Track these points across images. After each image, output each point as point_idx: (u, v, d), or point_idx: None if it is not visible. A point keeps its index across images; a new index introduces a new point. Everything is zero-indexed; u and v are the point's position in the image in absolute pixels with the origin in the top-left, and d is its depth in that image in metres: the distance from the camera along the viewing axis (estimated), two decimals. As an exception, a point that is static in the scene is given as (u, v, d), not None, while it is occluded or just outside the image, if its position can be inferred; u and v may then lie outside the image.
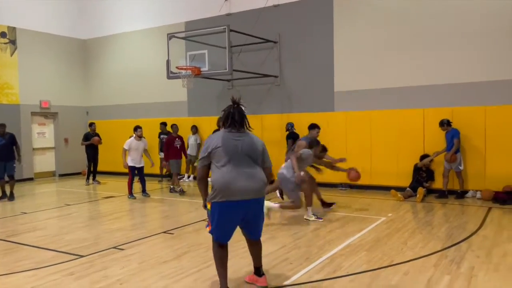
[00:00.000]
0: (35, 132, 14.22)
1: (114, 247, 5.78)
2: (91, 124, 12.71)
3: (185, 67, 10.39)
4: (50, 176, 14.55)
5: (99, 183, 12.60)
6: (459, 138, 8.80)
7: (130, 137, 10.01)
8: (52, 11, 14.51)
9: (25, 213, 8.49)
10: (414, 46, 9.85)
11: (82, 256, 5.41)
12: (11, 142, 10.05)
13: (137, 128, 9.89)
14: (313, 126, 7.96)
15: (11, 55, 13.37)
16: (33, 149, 14.02)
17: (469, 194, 9.19)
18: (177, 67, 10.42)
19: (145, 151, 9.99)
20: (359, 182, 10.41)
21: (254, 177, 3.85)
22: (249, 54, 11.84)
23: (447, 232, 6.30)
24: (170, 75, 10.77)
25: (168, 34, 10.92)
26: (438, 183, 9.35)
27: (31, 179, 13.77)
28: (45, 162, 14.50)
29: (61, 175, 14.55)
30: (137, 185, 10.29)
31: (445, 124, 8.87)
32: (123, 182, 12.64)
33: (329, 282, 4.37)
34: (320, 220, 7.12)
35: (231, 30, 9.93)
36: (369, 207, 8.41)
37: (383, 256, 5.17)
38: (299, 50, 11.33)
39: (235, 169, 3.79)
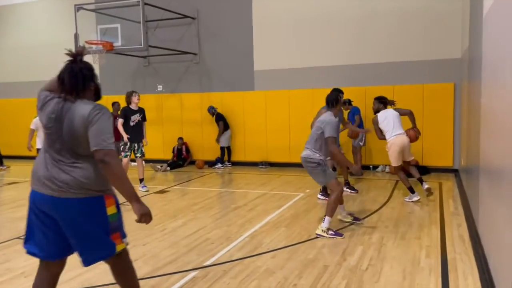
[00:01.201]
0: None
1: (18, 238, 5.29)
2: None
3: (95, 42, 9.71)
4: None
5: (7, 167, 11.45)
6: (359, 115, 9.28)
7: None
8: None
9: None
10: (333, 23, 10.11)
11: (-22, 250, 4.88)
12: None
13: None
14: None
15: None
16: None
17: (379, 168, 9.81)
18: (86, 42, 9.69)
19: None
20: (279, 160, 10.70)
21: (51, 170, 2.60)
22: (166, 30, 11.36)
23: (360, 205, 6.65)
24: (80, 50, 9.99)
25: (75, 5, 10.07)
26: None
27: None
28: None
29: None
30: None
31: (346, 103, 9.04)
32: (28, 166, 11.69)
33: (251, 259, 4.39)
34: (358, 222, 5.62)
35: (146, 4, 9.42)
36: (288, 184, 8.62)
37: (301, 231, 5.32)
38: (218, 27, 11.11)
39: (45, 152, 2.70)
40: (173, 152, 11.41)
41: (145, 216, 2.71)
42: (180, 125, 11.54)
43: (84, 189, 2.59)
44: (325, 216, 5.09)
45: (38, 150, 8.61)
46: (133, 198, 2.66)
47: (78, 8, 9.98)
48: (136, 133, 7.93)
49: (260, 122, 10.88)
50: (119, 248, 2.75)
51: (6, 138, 12.73)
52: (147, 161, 11.47)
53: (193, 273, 4.07)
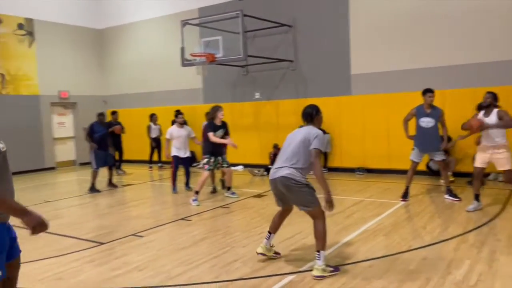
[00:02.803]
0: (55, 122, 14.47)
1: (133, 234, 5.87)
2: (113, 113, 12.51)
3: (199, 54, 10.36)
4: (70, 165, 14.83)
5: (124, 173, 12.41)
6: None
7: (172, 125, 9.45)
8: (67, 1, 14.59)
9: (48, 201, 8.69)
10: (436, 25, 9.58)
11: (102, 244, 5.52)
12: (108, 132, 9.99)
13: (177, 114, 9.10)
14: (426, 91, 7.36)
15: (29, 46, 13.55)
16: (54, 139, 14.29)
17: (491, 176, 8.99)
18: (191, 54, 10.40)
19: (194, 138, 9.04)
20: (377, 166, 10.36)
21: None
22: (263, 39, 11.72)
23: (467, 216, 6.19)
24: (185, 63, 10.76)
25: (181, 21, 10.87)
26: (468, 167, 9.06)
27: (53, 168, 14.06)
28: (65, 151, 14.77)
29: (82, 164, 14.80)
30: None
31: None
32: (143, 170, 12.83)
33: (348, 267, 4.35)
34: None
35: (244, 15, 9.82)
36: (387, 191, 8.32)
37: (401, 241, 5.12)
38: (314, 33, 11.16)
39: None
40: (269, 157, 11.68)
41: (39, 227, 2.56)
42: (276, 131, 11.79)
43: None
44: (317, 252, 4.17)
45: (173, 157, 8.91)
46: (19, 213, 2.54)
47: (184, 23, 10.76)
48: (219, 148, 7.98)
49: (357, 127, 10.67)
50: None
51: (125, 144, 14.10)
52: (245, 165, 11.94)
53: (290, 277, 4.16)
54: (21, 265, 4.61)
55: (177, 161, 8.94)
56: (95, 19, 15.43)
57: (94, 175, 9.53)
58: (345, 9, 10.63)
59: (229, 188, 8.36)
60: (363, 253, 4.77)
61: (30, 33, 13.55)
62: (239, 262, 4.59)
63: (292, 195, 4.33)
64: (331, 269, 4.18)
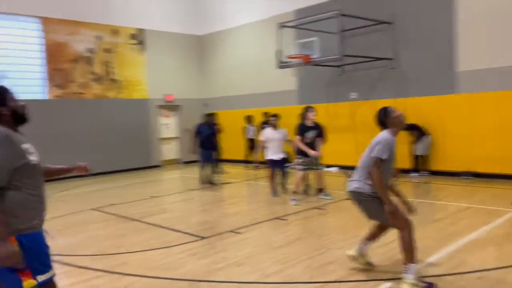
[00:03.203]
0: (161, 124, 15.65)
1: (231, 231, 6.14)
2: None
3: (296, 56, 10.45)
4: (175, 163, 15.91)
5: (222, 171, 12.70)
6: None
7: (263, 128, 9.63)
8: (173, 11, 15.69)
9: (154, 196, 9.44)
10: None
11: (203, 238, 5.86)
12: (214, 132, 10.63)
13: (270, 117, 9.01)
14: None
15: (140, 55, 14.83)
16: (160, 139, 15.46)
17: None
18: (289, 57, 10.53)
19: (289, 142, 8.69)
20: (485, 170, 9.52)
21: None
22: (360, 37, 11.43)
23: None
24: (280, 65, 10.93)
25: (278, 23, 11.05)
26: None
27: (158, 166, 15.22)
28: (170, 150, 15.90)
29: (185, 162, 15.79)
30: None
31: None
32: (239, 169, 13.30)
33: (453, 277, 4.09)
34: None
35: (342, 15, 9.69)
36: (496, 198, 7.61)
37: (515, 253, 4.67)
38: (415, 29, 10.61)
39: None
40: (366, 159, 11.37)
41: (6, 260, 2.35)
42: (373, 132, 11.38)
43: None
44: (404, 265, 3.86)
45: (269, 161, 8.74)
46: None
47: (281, 26, 10.93)
48: (311, 149, 7.84)
49: (463, 127, 9.91)
50: (26, 285, 2.49)
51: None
52: (340, 167, 11.75)
53: (388, 283, 4.04)
54: (132, 254, 5.05)
55: (273, 164, 8.78)
56: (196, 26, 16.37)
57: (202, 170, 10.42)
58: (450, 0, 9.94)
59: (321, 190, 8.31)
60: (470, 263, 4.44)
61: (142, 42, 14.82)
62: (334, 264, 4.57)
63: (365, 209, 4.11)
64: (424, 284, 3.80)
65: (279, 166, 8.87)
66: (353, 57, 10.90)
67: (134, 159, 14.40)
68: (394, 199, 4.01)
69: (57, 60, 12.82)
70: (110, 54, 14.02)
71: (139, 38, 14.77)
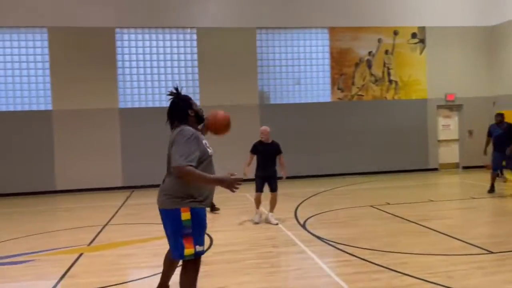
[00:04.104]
0: (440, 125, 14.78)
1: None
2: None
3: None
4: (453, 168, 14.77)
5: (505, 179, 11.41)
6: None
7: None
8: (458, 3, 14.55)
9: (432, 200, 9.03)
10: None
11: (491, 252, 5.24)
12: (508, 132, 9.62)
13: None
14: None
15: (420, 53, 14.42)
16: (438, 141, 14.64)
17: None
18: None
19: None
20: None
21: (162, 184, 3.44)
22: None
23: None
24: None
25: None
26: None
27: (435, 169, 14.45)
28: (448, 153, 14.85)
29: (464, 167, 14.47)
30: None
31: None
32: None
33: None
34: None
35: None
36: None
37: None
38: None
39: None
40: None
41: (229, 184, 3.22)
42: None
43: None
44: None
45: None
46: (211, 180, 3.24)
47: None
48: None
49: None
50: (187, 252, 3.23)
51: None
52: None
53: None
54: (411, 255, 5.02)
55: None
56: (485, 17, 14.64)
57: (493, 176, 9.43)
58: None
59: None
60: None
61: (422, 41, 14.38)
62: None
63: None
64: None
65: None
66: None
67: (410, 161, 14.14)
68: None
69: (341, 65, 13.90)
70: (389, 56, 14.21)
71: (419, 36, 14.39)
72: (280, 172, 7.28)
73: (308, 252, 5.50)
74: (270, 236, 6.41)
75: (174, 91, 3.54)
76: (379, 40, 14.13)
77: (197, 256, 3.32)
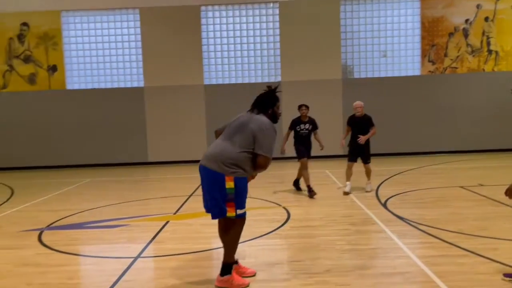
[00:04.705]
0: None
1: None
2: None
3: None
4: None
5: None
6: None
7: None
8: None
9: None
10: None
11: None
12: None
13: None
14: None
15: (527, 19, 12.88)
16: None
17: None
18: None
19: None
20: None
21: (216, 147, 3.75)
22: None
23: None
24: None
25: None
26: None
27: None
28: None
29: None
30: None
31: None
32: None
33: None
34: None
35: None
36: None
37: None
38: None
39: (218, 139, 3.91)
40: None
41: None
42: None
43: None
44: None
45: None
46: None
47: None
48: None
49: None
50: (228, 215, 3.62)
51: None
52: None
53: None
54: (504, 241, 4.67)
55: None
56: None
57: None
58: None
59: None
60: None
61: (530, 4, 12.82)
62: None
63: None
64: None
65: None
66: None
67: (510, 138, 12.90)
68: None
69: (433, 35, 12.92)
70: (489, 23, 12.88)
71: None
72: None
73: (388, 232, 5.32)
74: (348, 214, 6.30)
75: (273, 88, 3.97)
76: (478, 6, 12.84)
77: (238, 217, 3.68)
